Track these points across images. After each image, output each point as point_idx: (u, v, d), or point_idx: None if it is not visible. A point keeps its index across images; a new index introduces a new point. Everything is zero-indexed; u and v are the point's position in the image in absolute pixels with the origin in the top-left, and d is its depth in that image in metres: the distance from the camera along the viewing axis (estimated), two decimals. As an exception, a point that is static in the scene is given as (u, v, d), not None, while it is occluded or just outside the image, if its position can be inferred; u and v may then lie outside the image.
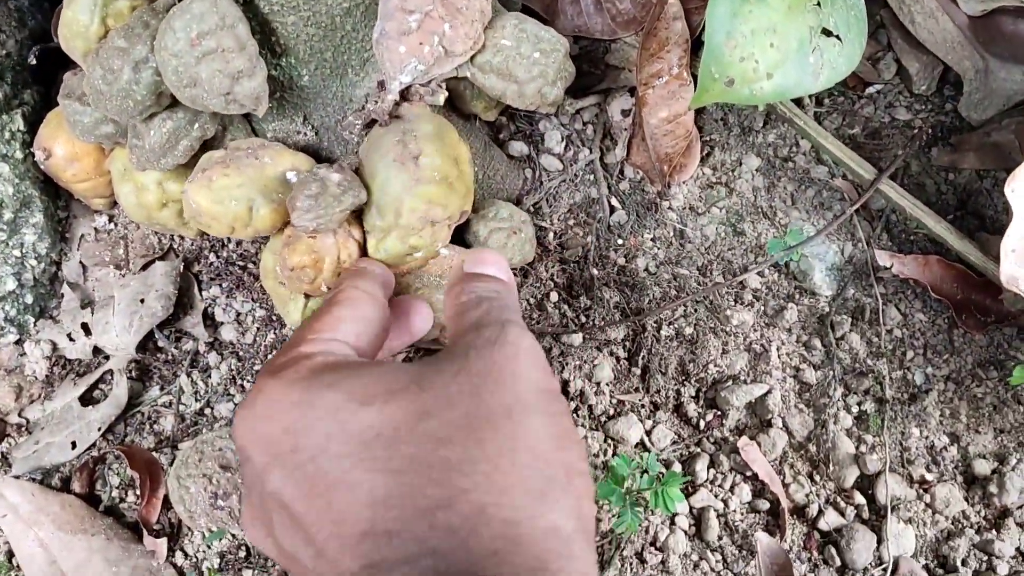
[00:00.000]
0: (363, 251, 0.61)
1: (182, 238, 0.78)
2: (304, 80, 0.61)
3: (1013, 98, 0.77)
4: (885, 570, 0.70)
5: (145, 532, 0.71)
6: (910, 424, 0.75)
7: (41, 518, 0.70)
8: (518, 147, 0.79)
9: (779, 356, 0.76)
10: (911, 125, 0.82)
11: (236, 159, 0.59)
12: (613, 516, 0.69)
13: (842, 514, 0.72)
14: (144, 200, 0.66)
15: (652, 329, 0.76)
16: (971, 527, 0.73)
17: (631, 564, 0.70)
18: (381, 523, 0.32)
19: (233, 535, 0.72)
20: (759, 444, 0.73)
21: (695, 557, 0.71)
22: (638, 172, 0.80)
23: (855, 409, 0.75)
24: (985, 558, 0.71)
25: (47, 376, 0.75)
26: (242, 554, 0.72)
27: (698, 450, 0.74)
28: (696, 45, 0.74)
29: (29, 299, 0.74)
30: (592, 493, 0.36)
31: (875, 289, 0.78)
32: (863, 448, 0.74)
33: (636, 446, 0.73)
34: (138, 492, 0.72)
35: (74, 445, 0.73)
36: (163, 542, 0.71)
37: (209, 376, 0.75)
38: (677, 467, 0.73)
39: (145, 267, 0.76)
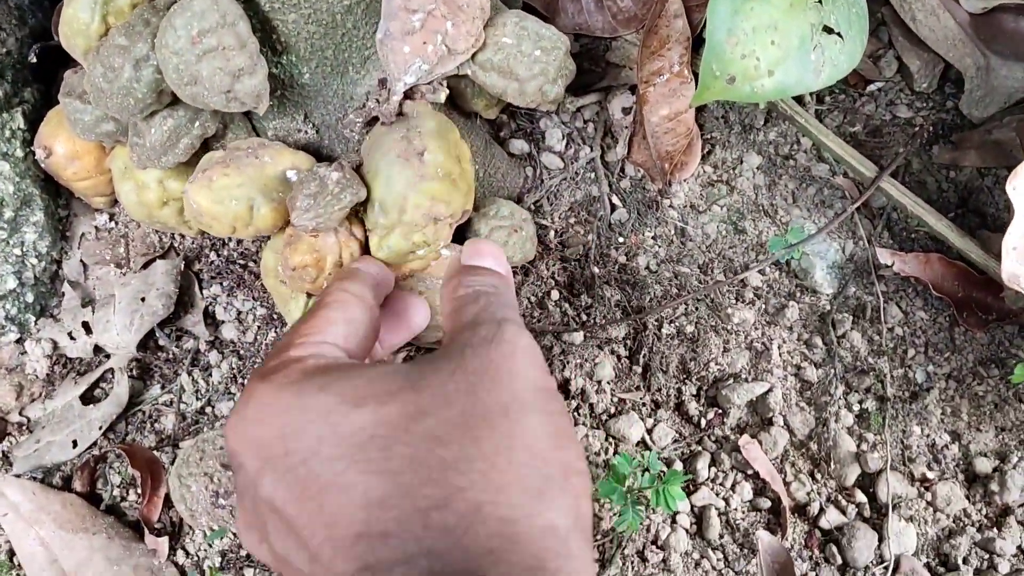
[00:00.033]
0: (365, 250, 0.61)
1: (183, 236, 0.78)
2: (305, 78, 0.61)
3: (1014, 96, 0.77)
4: (886, 568, 0.70)
5: (146, 531, 0.71)
6: (911, 422, 0.75)
7: (42, 517, 0.70)
8: (519, 145, 0.79)
9: (780, 354, 0.76)
10: (912, 123, 0.82)
11: (236, 159, 0.59)
12: (614, 515, 0.69)
13: (843, 512, 0.72)
14: (145, 198, 0.66)
15: (653, 327, 0.76)
16: (972, 525, 0.73)
17: (632, 562, 0.70)
18: (376, 524, 0.32)
19: (234, 534, 0.72)
20: (760, 442, 0.73)
21: (696, 555, 0.71)
22: (639, 170, 0.80)
23: (856, 407, 0.75)
24: (986, 556, 0.71)
25: (48, 375, 0.75)
26: (243, 553, 0.71)
27: (699, 448, 0.74)
28: (697, 43, 0.74)
29: (30, 298, 0.74)
30: (590, 491, 0.36)
31: (876, 287, 0.78)
32: (864, 446, 0.74)
33: (637, 444, 0.73)
34: (139, 491, 0.72)
35: (75, 444, 0.73)
36: (164, 541, 0.71)
37: (210, 375, 0.75)
38: (678, 465, 0.73)
39: (146, 265, 0.76)
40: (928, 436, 0.75)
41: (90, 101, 0.60)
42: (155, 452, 0.73)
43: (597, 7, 0.78)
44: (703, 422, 0.74)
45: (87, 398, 0.75)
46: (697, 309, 0.77)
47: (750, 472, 0.73)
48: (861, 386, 0.76)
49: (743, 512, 0.72)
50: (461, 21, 0.59)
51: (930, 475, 0.73)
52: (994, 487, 0.73)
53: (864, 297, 0.78)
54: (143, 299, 0.74)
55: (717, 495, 0.72)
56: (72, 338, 0.75)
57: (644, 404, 0.75)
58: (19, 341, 0.75)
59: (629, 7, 0.78)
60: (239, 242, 0.77)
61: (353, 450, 0.33)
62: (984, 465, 0.74)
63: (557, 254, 0.77)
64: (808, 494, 0.73)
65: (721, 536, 0.71)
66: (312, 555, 0.33)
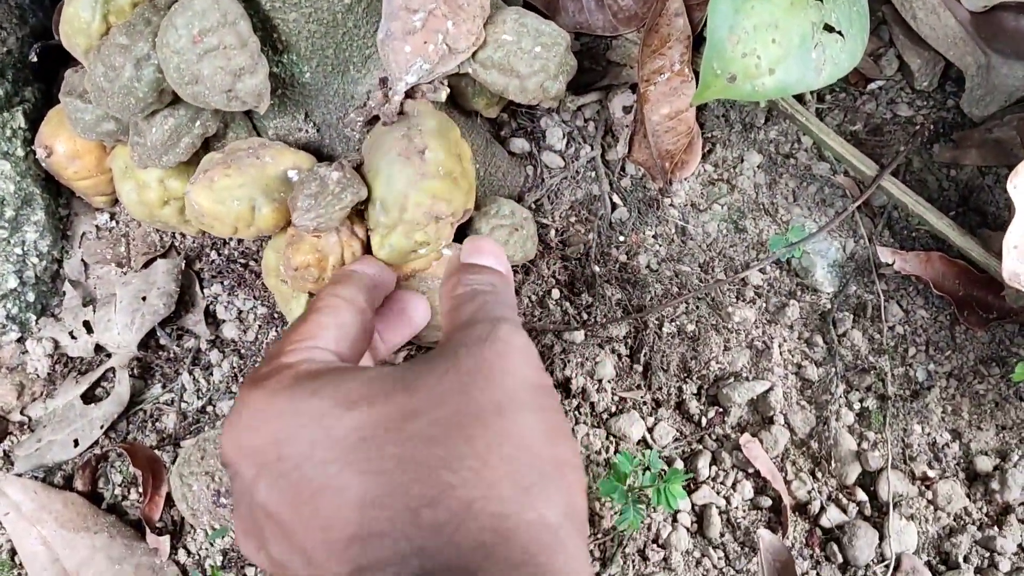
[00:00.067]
0: (367, 249, 0.61)
1: (183, 236, 0.78)
2: (306, 77, 0.61)
3: (1015, 94, 0.77)
4: (887, 567, 0.70)
5: (148, 530, 0.71)
6: (912, 421, 0.75)
7: (43, 516, 0.70)
8: (520, 144, 0.79)
9: (781, 353, 0.76)
10: (913, 121, 0.82)
11: (237, 159, 0.59)
12: (615, 513, 0.69)
13: (844, 511, 0.72)
14: (146, 198, 0.66)
15: (654, 326, 0.76)
16: (973, 524, 0.73)
17: (633, 561, 0.70)
18: (369, 525, 0.32)
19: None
20: (761, 441, 0.73)
21: (697, 554, 0.71)
22: (640, 169, 0.80)
23: (857, 406, 0.75)
24: (987, 554, 0.71)
25: (49, 374, 0.75)
26: (244, 551, 0.72)
27: (700, 447, 0.74)
28: (698, 41, 0.74)
29: (31, 297, 0.74)
30: (584, 486, 0.36)
31: (877, 286, 0.78)
32: (865, 445, 0.74)
33: (638, 443, 0.73)
34: (140, 490, 0.72)
35: (76, 443, 0.73)
36: (166, 540, 0.71)
37: (211, 374, 0.75)
38: (679, 464, 0.73)
39: (147, 265, 0.76)
40: (929, 434, 0.75)
41: (91, 100, 0.60)
42: (156, 451, 0.73)
43: (598, 5, 0.78)
44: (704, 421, 0.74)
45: (88, 397, 0.75)
46: (698, 308, 0.77)
47: (751, 471, 0.73)
48: (862, 385, 0.76)
49: (744, 511, 0.72)
50: (462, 20, 0.59)
51: (931, 473, 0.73)
52: (995, 485, 0.73)
53: (865, 296, 0.78)
54: (144, 298, 0.74)
55: (718, 494, 0.72)
56: (73, 337, 0.75)
57: (645, 403, 0.75)
58: (20, 340, 0.75)
59: (630, 5, 0.78)
60: (240, 241, 0.77)
61: (346, 452, 0.33)
62: (985, 463, 0.74)
63: (558, 253, 0.77)
64: (809, 493, 0.73)
65: (722, 535, 0.71)
66: (308, 559, 0.33)
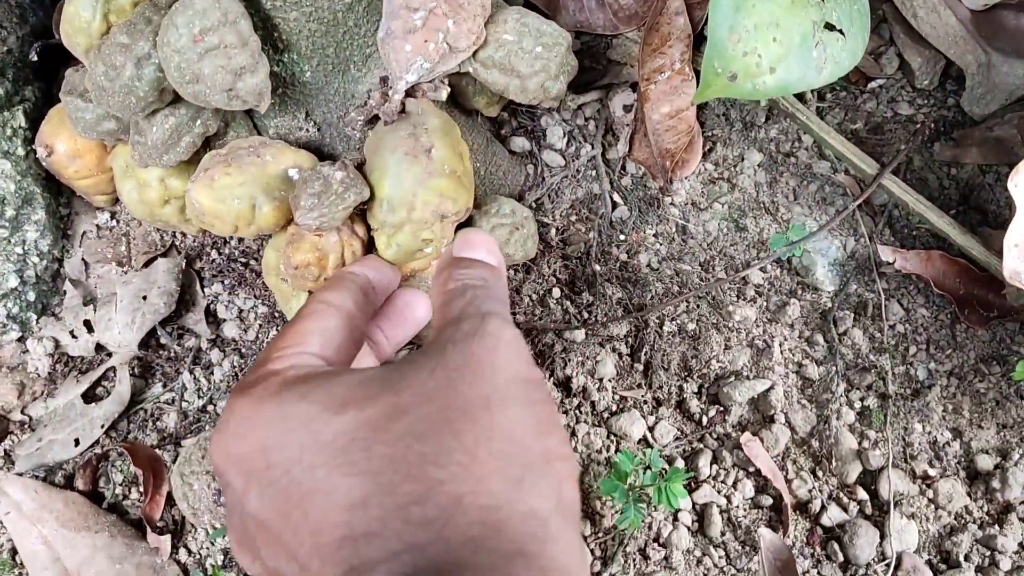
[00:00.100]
0: (367, 248, 0.61)
1: (184, 235, 0.78)
2: (306, 76, 0.61)
3: (1015, 93, 0.77)
4: (888, 566, 0.70)
5: (149, 529, 0.71)
6: (913, 420, 0.75)
7: (44, 515, 0.70)
8: (520, 143, 0.79)
9: (781, 352, 0.76)
10: (913, 120, 0.82)
11: (238, 157, 0.59)
12: (616, 512, 0.69)
13: (845, 510, 0.72)
14: (146, 197, 0.66)
15: (654, 325, 0.76)
16: (974, 522, 0.73)
17: (634, 560, 0.70)
18: (359, 525, 0.31)
19: (236, 532, 0.72)
20: (762, 440, 0.73)
21: (698, 553, 0.71)
22: (640, 168, 0.80)
23: (858, 405, 0.75)
24: (988, 553, 0.71)
25: (50, 373, 0.75)
26: (245, 551, 0.72)
27: (701, 446, 0.74)
28: (698, 40, 0.74)
29: (31, 296, 0.74)
30: (575, 478, 0.36)
31: (877, 284, 0.78)
32: (866, 444, 0.74)
33: (639, 442, 0.73)
34: (141, 489, 0.72)
35: (77, 442, 0.73)
36: (167, 539, 0.71)
37: (212, 373, 0.75)
38: (680, 463, 0.73)
39: (147, 264, 0.76)
40: (930, 433, 0.75)
41: (91, 99, 0.60)
42: (157, 450, 0.73)
43: (598, 5, 0.78)
44: (704, 420, 0.74)
45: (89, 396, 0.75)
46: (698, 307, 0.77)
47: (752, 469, 0.73)
48: (862, 383, 0.76)
49: (745, 509, 0.72)
50: (462, 19, 0.59)
51: (932, 472, 0.73)
52: (995, 484, 0.73)
53: (865, 294, 0.78)
54: (144, 297, 0.74)
55: (719, 492, 0.72)
56: (74, 336, 0.75)
57: (646, 402, 0.75)
58: (21, 340, 0.75)
59: (630, 4, 0.78)
60: (240, 240, 0.77)
61: (335, 455, 0.33)
62: (985, 462, 0.74)
63: (558, 252, 0.77)
64: (810, 491, 0.73)
65: (723, 533, 0.71)
66: (301, 565, 0.33)
